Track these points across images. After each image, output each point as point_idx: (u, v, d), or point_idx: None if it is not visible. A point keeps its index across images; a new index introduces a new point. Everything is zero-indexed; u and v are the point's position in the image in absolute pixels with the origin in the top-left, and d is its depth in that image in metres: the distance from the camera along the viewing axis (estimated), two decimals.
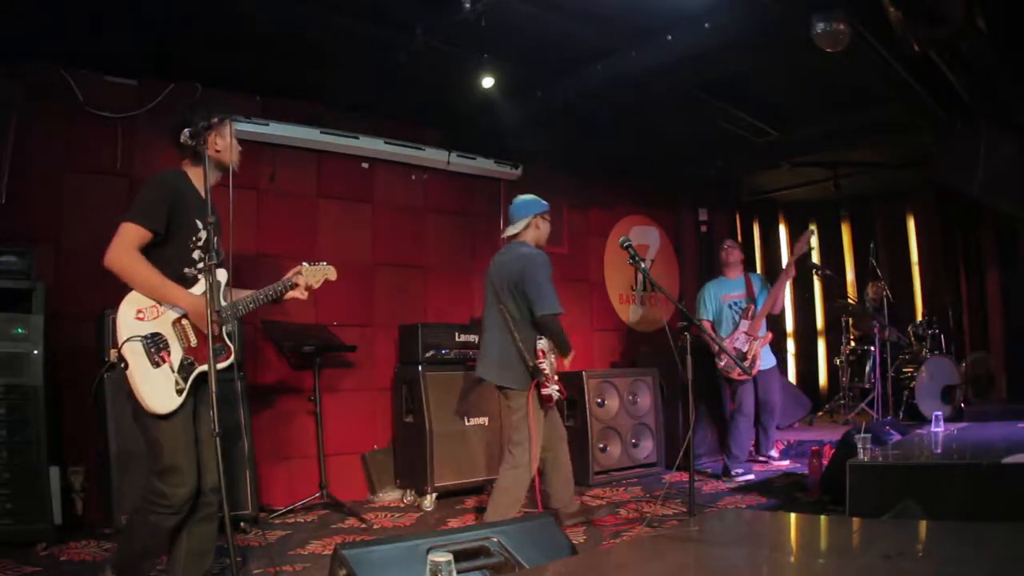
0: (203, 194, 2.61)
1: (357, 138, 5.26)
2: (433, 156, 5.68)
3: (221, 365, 2.60)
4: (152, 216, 2.50)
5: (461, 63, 4.52)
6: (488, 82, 4.69)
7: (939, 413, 4.52)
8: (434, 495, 4.77)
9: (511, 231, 4.08)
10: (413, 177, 5.77)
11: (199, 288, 2.59)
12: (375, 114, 5.44)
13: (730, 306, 5.55)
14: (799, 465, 5.58)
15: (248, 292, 2.80)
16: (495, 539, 2.19)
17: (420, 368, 4.90)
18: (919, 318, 7.15)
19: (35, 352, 3.60)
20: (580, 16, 4.12)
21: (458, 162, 5.81)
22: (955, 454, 3.60)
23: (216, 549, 3.62)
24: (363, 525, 4.27)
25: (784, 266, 5.49)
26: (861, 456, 3.41)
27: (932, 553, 1.98)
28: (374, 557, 2.03)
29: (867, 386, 7.16)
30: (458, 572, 1.79)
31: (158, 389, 2.47)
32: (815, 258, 8.52)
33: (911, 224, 7.98)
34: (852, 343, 7.34)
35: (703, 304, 5.61)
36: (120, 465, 3.70)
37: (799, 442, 6.06)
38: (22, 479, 3.48)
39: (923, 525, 2.37)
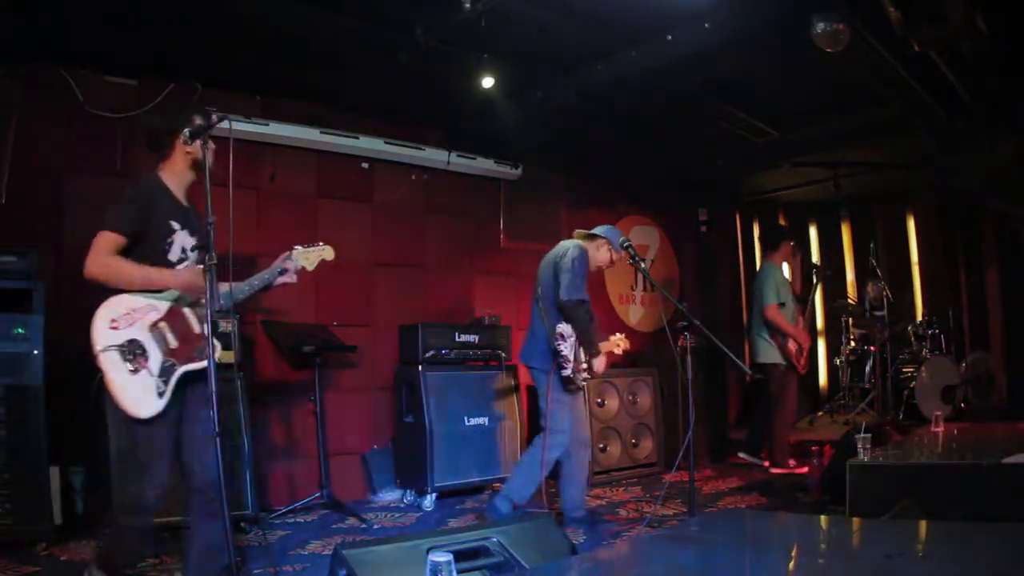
0: (177, 196, 2.72)
1: (357, 138, 5.26)
2: (433, 156, 5.68)
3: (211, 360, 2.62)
4: (124, 221, 2.57)
5: (461, 63, 4.52)
6: (488, 82, 4.69)
7: (939, 413, 4.52)
8: (434, 495, 4.77)
9: (581, 231, 4.34)
10: (413, 177, 5.77)
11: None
12: (375, 114, 5.44)
13: (792, 300, 5.83)
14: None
15: (235, 284, 2.80)
16: (495, 539, 2.20)
17: (420, 368, 4.90)
18: (919, 318, 7.15)
19: (35, 352, 3.59)
20: (580, 16, 4.12)
21: (458, 162, 5.80)
22: (955, 454, 3.60)
23: None
24: (363, 525, 4.27)
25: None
26: (861, 456, 3.41)
27: (932, 553, 1.98)
28: (374, 557, 2.04)
29: (867, 386, 7.17)
30: (458, 572, 1.79)
31: (139, 395, 2.51)
32: (815, 258, 8.53)
33: (911, 224, 7.98)
34: (852, 343, 7.34)
35: (777, 288, 5.73)
36: (120, 465, 3.70)
37: (799, 442, 6.06)
38: (22, 479, 3.47)
39: (923, 525, 2.38)
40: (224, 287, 2.80)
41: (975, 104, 4.89)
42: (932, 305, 7.40)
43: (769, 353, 5.71)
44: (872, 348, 7.02)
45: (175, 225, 2.68)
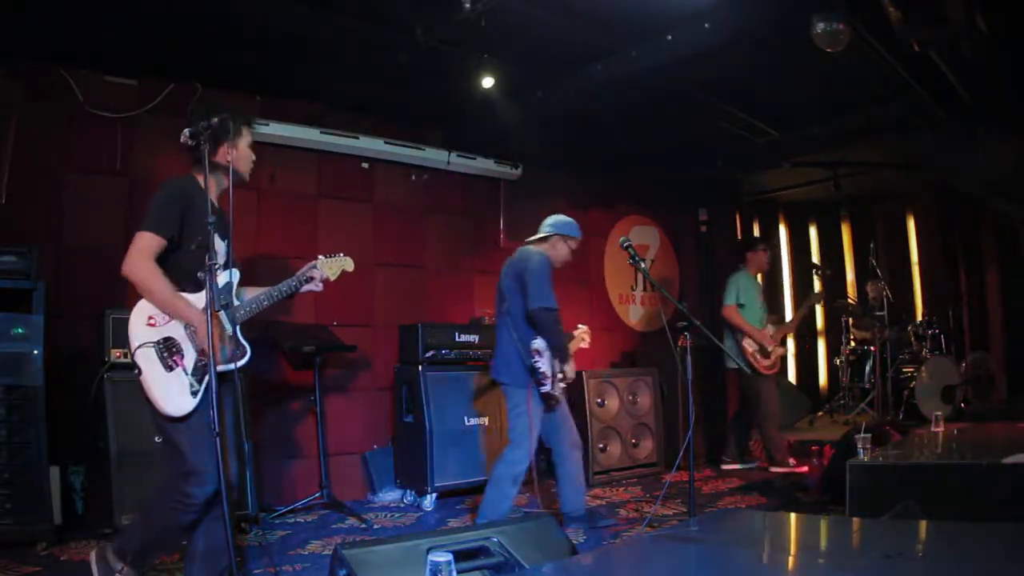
0: (212, 199, 2.66)
1: (357, 138, 5.26)
2: (433, 156, 5.68)
3: (238, 364, 2.66)
4: (166, 223, 2.54)
5: (461, 63, 4.52)
6: (488, 82, 4.69)
7: (939, 413, 4.52)
8: (434, 495, 4.77)
9: (531, 237, 4.19)
10: (413, 177, 5.77)
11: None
12: (375, 114, 5.44)
13: (760, 306, 5.81)
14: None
15: (262, 289, 2.81)
16: (495, 539, 2.19)
17: (420, 368, 4.90)
18: (919, 318, 7.15)
19: (35, 352, 3.59)
20: (580, 16, 4.12)
21: (458, 162, 5.80)
22: (955, 454, 3.60)
23: None
24: (363, 525, 4.27)
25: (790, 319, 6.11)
26: (861, 456, 3.41)
27: (932, 553, 1.98)
28: (374, 557, 2.03)
29: (867, 386, 7.17)
30: (458, 572, 1.80)
31: (172, 392, 2.51)
32: (815, 258, 8.54)
33: (911, 224, 7.99)
34: (852, 343, 7.35)
35: (739, 290, 5.75)
36: (120, 465, 3.70)
37: (799, 442, 6.06)
38: (22, 479, 3.47)
39: (923, 525, 2.37)
40: (250, 293, 2.81)
41: (975, 104, 4.89)
42: (932, 305, 7.40)
43: (735, 355, 5.72)
44: (872, 348, 7.02)
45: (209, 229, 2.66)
